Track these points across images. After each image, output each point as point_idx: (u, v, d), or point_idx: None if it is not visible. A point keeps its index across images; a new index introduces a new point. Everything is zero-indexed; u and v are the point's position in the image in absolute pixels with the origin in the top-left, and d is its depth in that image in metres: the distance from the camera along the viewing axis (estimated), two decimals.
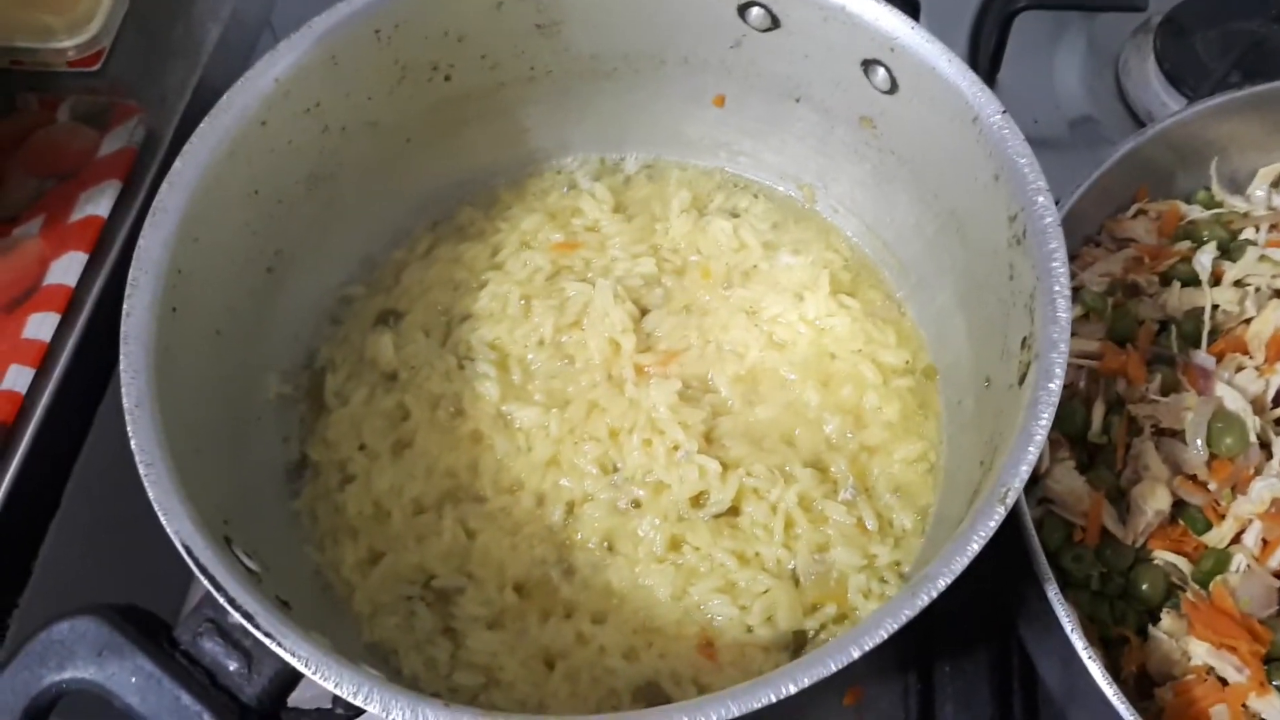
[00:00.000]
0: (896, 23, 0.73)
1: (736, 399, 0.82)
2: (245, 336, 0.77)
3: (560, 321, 0.85)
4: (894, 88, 0.75)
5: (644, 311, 0.87)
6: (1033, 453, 0.59)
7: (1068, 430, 0.79)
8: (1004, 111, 0.68)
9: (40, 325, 0.84)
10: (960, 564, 0.56)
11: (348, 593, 0.76)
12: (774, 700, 0.54)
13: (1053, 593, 0.66)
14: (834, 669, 0.54)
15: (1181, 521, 0.76)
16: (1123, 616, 0.74)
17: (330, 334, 0.87)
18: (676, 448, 0.78)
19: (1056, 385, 0.59)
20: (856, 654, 0.54)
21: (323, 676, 0.53)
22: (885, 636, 0.55)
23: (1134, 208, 0.91)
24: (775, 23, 0.79)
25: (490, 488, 0.79)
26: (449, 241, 0.92)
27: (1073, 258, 0.90)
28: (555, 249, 0.89)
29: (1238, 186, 0.95)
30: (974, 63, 1.21)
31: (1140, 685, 0.72)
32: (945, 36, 1.24)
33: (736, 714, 0.53)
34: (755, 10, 0.78)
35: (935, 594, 0.56)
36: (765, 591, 0.74)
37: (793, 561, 0.75)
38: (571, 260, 0.89)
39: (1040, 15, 1.21)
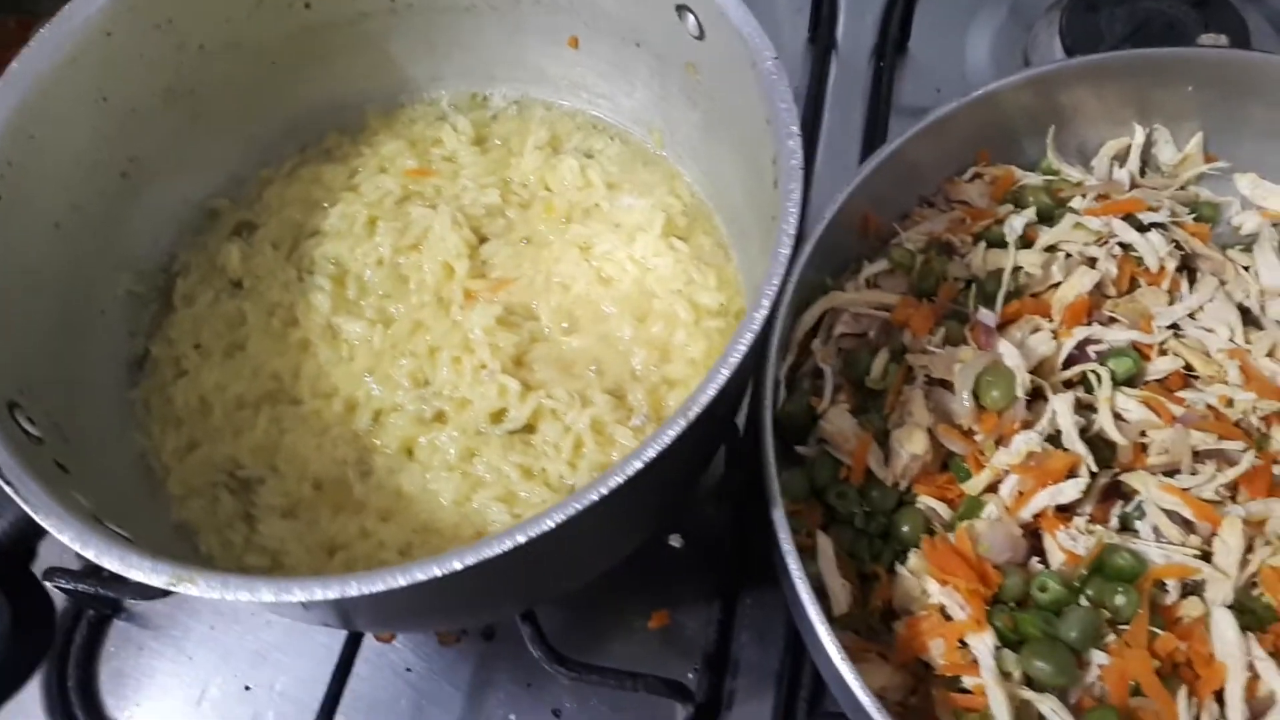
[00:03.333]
0: None
1: (555, 327, 0.87)
2: (92, 234, 0.83)
3: (400, 243, 0.90)
4: (702, 34, 0.78)
5: (483, 240, 0.91)
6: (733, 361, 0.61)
7: (852, 376, 0.82)
8: (775, 58, 0.70)
9: None
10: (694, 410, 0.59)
11: (165, 475, 0.82)
12: (494, 555, 0.56)
13: (776, 514, 0.70)
14: (551, 525, 0.56)
15: (950, 469, 0.79)
16: (879, 554, 0.78)
17: (191, 242, 0.93)
18: (483, 366, 0.83)
19: (760, 315, 0.62)
20: (577, 508, 0.56)
21: (53, 526, 0.59)
22: (620, 482, 0.57)
23: (971, 171, 0.93)
24: None
25: (308, 392, 0.84)
26: (314, 163, 0.96)
27: (904, 216, 0.93)
28: (408, 174, 0.94)
29: (1086, 158, 0.96)
30: (885, 32, 1.24)
31: (885, 619, 0.76)
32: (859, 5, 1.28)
33: (459, 567, 0.55)
34: None
35: (674, 435, 0.58)
36: (541, 503, 0.78)
37: (574, 479, 0.80)
38: (423, 186, 0.94)
39: None
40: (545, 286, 0.88)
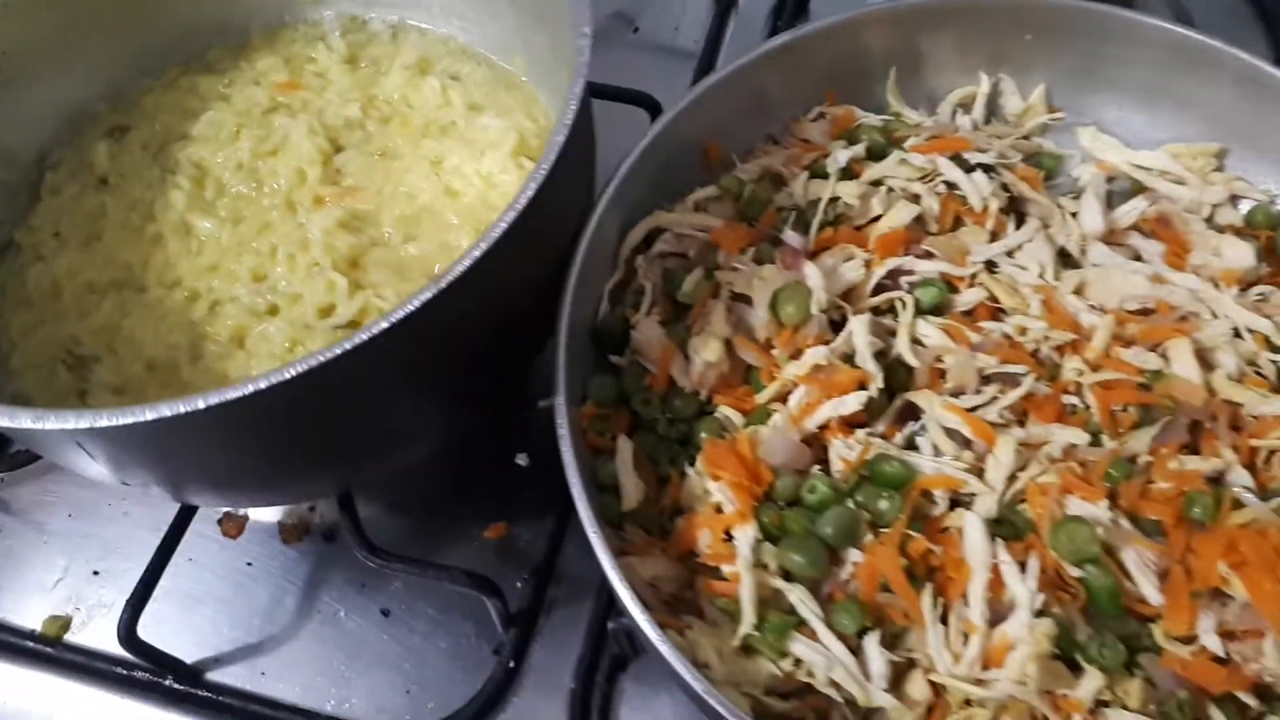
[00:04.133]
0: None
1: (396, 234, 0.90)
2: None
3: (259, 149, 0.93)
4: None
5: (340, 149, 0.95)
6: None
7: (669, 292, 0.85)
8: None
9: None
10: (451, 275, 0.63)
11: (9, 351, 0.86)
12: (234, 397, 0.59)
13: (559, 415, 0.73)
14: (290, 375, 0.59)
15: (750, 383, 0.82)
16: (675, 459, 0.81)
17: (68, 141, 0.97)
18: (316, 264, 0.87)
19: (519, 203, 0.65)
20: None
21: None
22: (363, 340, 0.61)
23: (816, 110, 0.96)
24: None
25: (154, 281, 0.88)
26: (194, 74, 1.01)
27: (748, 152, 0.96)
28: (278, 87, 0.98)
29: (933, 105, 0.99)
30: None
31: (674, 518, 0.79)
32: None
33: (201, 405, 0.59)
34: None
35: (426, 299, 0.62)
36: None
37: None
38: (290, 99, 0.98)
39: None
40: (393, 196, 0.92)
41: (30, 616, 0.95)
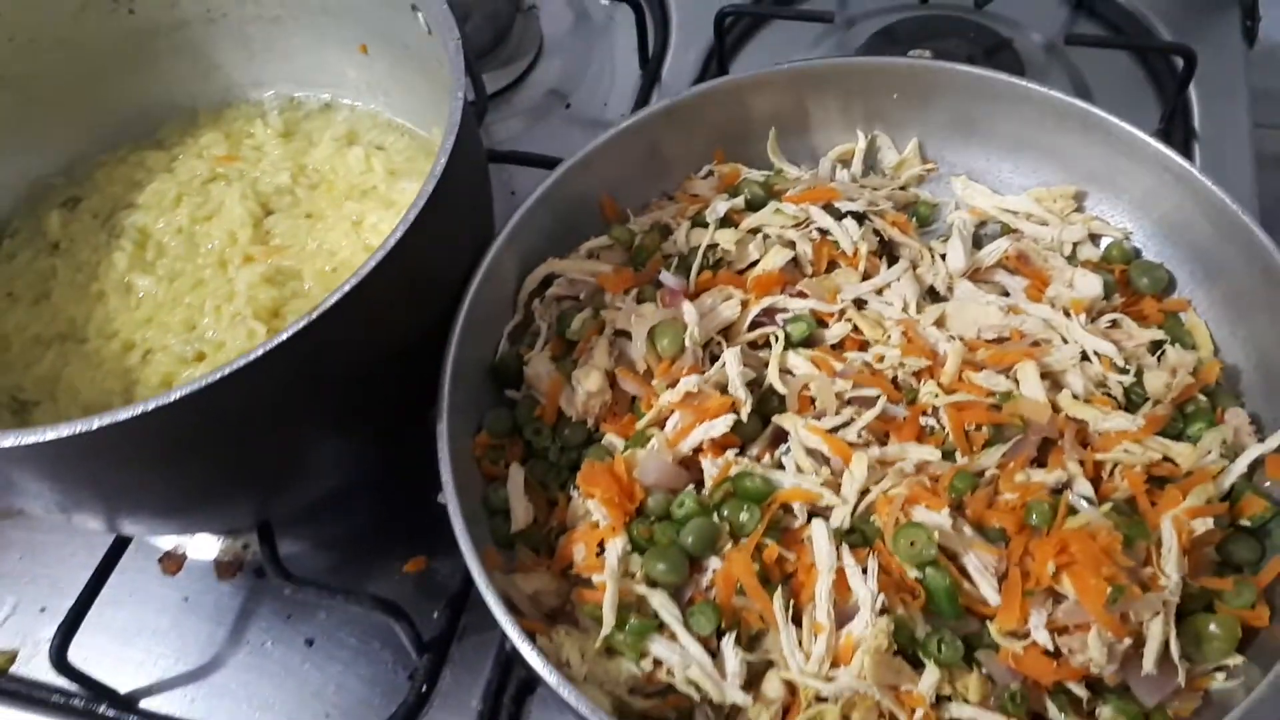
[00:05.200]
0: None
1: (316, 287, 0.98)
2: None
3: (197, 214, 1.03)
4: (430, 30, 0.91)
5: (269, 213, 1.04)
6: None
7: (561, 330, 0.93)
8: (457, 39, 0.83)
9: None
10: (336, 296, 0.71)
11: None
12: (127, 417, 0.66)
13: (440, 427, 0.80)
14: (177, 396, 0.67)
15: (634, 411, 0.89)
16: (565, 484, 0.87)
17: (27, 211, 1.07)
18: (238, 314, 0.95)
19: (389, 244, 0.73)
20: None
21: None
22: (240, 366, 0.67)
23: (706, 169, 1.05)
24: None
25: (94, 333, 0.96)
26: (144, 150, 1.11)
27: (645, 207, 1.04)
28: (218, 160, 1.07)
29: (817, 161, 1.07)
30: (705, 68, 1.37)
31: (559, 535, 0.85)
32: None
33: (95, 426, 0.65)
34: None
35: (307, 321, 0.69)
36: None
37: None
38: (229, 169, 1.07)
39: None
40: (315, 253, 1.00)
41: None
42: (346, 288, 0.71)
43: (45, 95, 1.04)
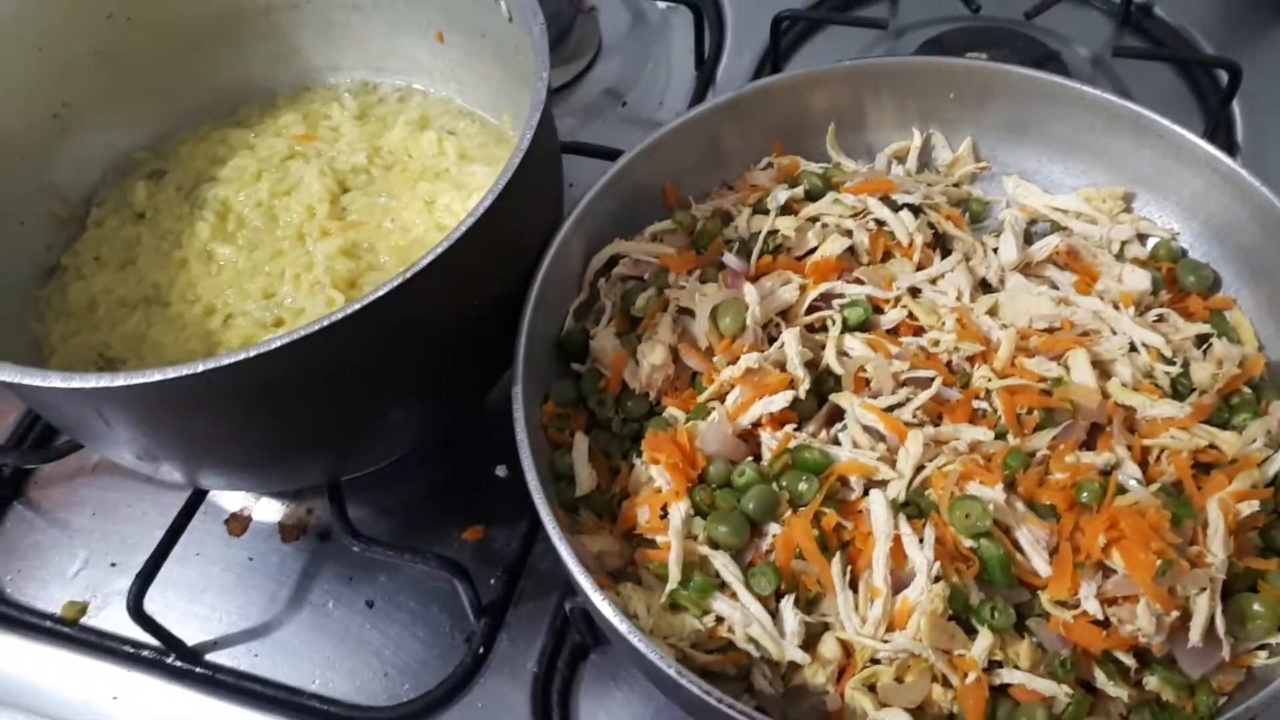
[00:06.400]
0: None
1: (391, 261, 1.03)
2: (20, 157, 1.02)
3: (276, 189, 1.07)
4: (510, 17, 0.96)
5: (346, 190, 1.08)
6: None
7: (626, 309, 0.96)
8: (542, 24, 0.87)
9: None
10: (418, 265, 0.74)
11: (50, 354, 0.99)
12: (227, 363, 0.69)
13: (516, 390, 0.84)
14: (276, 345, 0.70)
15: (695, 386, 0.92)
16: (627, 453, 0.91)
17: (114, 182, 1.12)
18: (318, 283, 0.99)
19: (479, 210, 0.77)
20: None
21: None
22: (339, 318, 0.71)
23: (765, 160, 1.08)
24: None
25: (178, 298, 1.01)
26: (225, 128, 1.15)
27: (705, 195, 1.08)
28: (296, 139, 1.12)
29: (872, 157, 1.11)
30: (759, 69, 1.41)
31: (622, 501, 0.88)
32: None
33: (200, 370, 0.70)
34: None
35: (395, 284, 0.73)
36: None
37: None
38: (306, 149, 1.11)
39: None
40: (389, 230, 1.05)
41: (51, 601, 1.05)
42: (440, 249, 0.75)
43: (136, 74, 1.09)
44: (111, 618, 1.04)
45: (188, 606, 1.03)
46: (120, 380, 0.71)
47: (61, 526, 1.10)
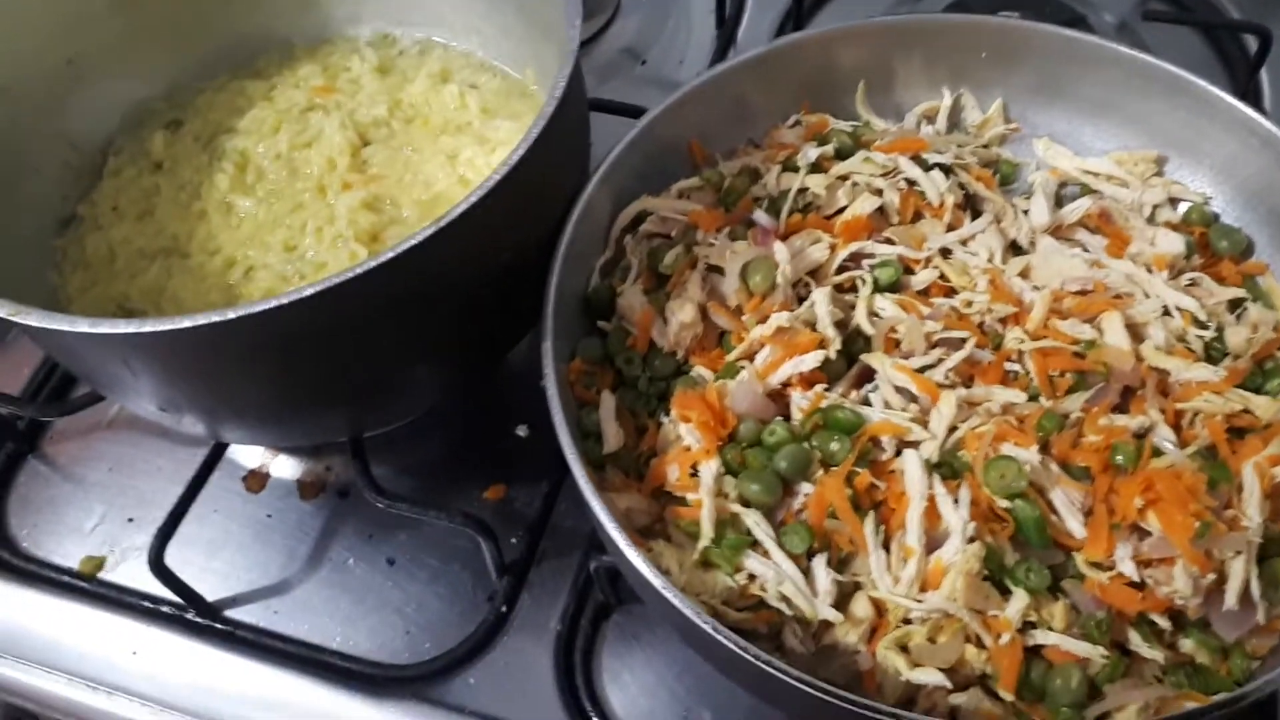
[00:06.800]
0: None
1: (414, 215, 1.01)
2: (34, 105, 1.00)
3: (296, 141, 1.05)
4: None
5: (367, 143, 1.06)
6: None
7: (653, 266, 0.95)
8: None
9: None
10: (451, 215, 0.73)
11: (67, 304, 0.97)
12: (257, 311, 0.69)
13: (545, 345, 0.82)
14: (309, 293, 0.69)
15: (723, 345, 0.91)
16: (654, 411, 0.90)
17: (130, 131, 1.10)
18: (340, 236, 0.97)
19: (512, 160, 0.76)
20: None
21: None
22: (371, 267, 0.70)
23: (793, 118, 1.07)
24: None
25: (198, 249, 0.99)
26: (243, 78, 1.13)
27: (731, 153, 1.06)
28: (316, 90, 1.10)
29: (901, 116, 1.09)
30: (781, 29, 1.39)
31: (649, 459, 0.88)
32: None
33: (231, 316, 0.69)
34: None
35: (429, 234, 0.72)
36: None
37: None
38: (326, 101, 1.09)
39: None
40: (412, 183, 1.03)
41: (69, 556, 1.04)
42: (470, 200, 0.74)
43: (152, 22, 1.07)
44: (129, 572, 1.03)
45: (206, 563, 1.03)
46: (149, 326, 0.69)
47: (77, 481, 1.09)
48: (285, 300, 0.70)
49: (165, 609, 1.00)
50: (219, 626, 0.99)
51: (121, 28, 1.05)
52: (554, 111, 0.78)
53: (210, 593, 1.00)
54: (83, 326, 0.70)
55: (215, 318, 0.69)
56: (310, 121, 1.07)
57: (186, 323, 0.69)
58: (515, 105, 1.10)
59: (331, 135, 1.04)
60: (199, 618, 0.99)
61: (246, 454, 1.09)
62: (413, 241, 0.72)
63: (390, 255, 0.72)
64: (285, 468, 1.08)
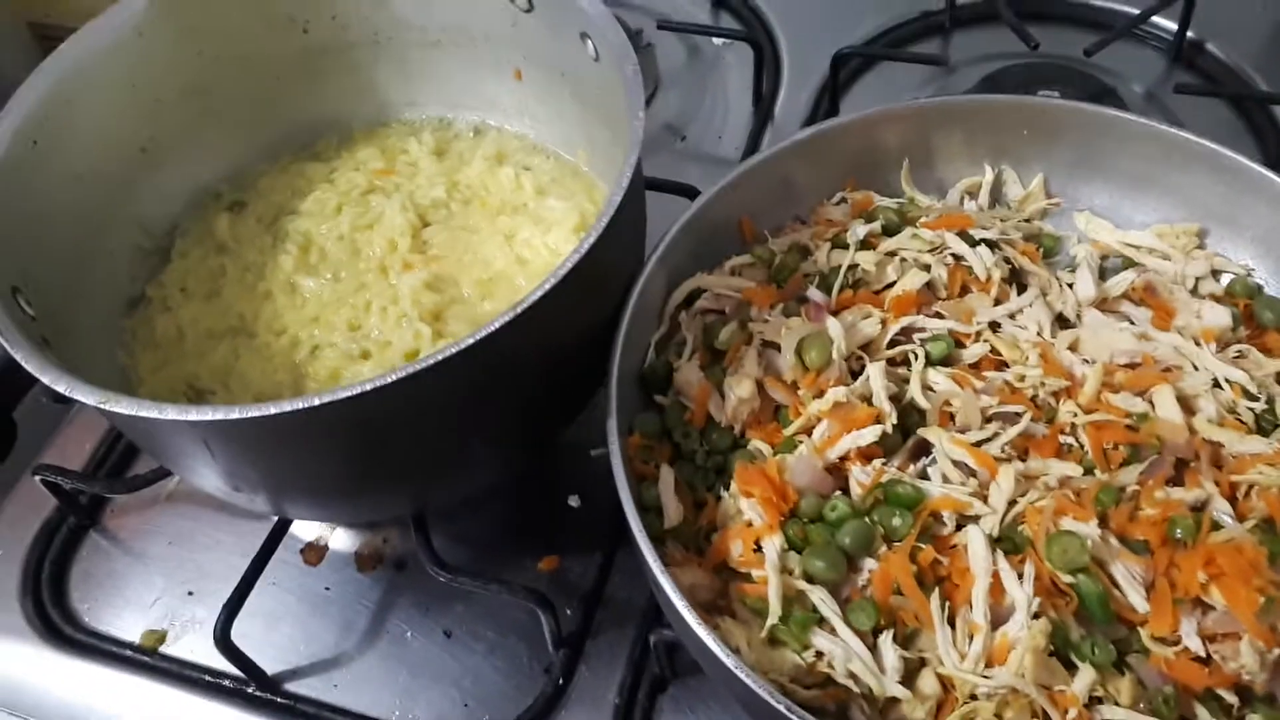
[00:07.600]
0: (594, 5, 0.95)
1: (474, 294, 1.04)
2: (108, 191, 1.03)
3: (358, 222, 1.09)
4: (598, 56, 0.97)
5: (427, 224, 1.10)
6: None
7: (708, 342, 0.97)
8: (635, 66, 0.89)
9: None
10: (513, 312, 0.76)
11: (138, 384, 1.00)
12: (320, 403, 0.71)
13: (612, 442, 0.84)
14: (367, 389, 0.72)
15: (779, 420, 0.93)
16: (712, 485, 0.91)
17: (195, 214, 1.14)
18: (404, 316, 1.00)
19: (582, 248, 0.78)
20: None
21: (27, 362, 0.76)
22: (433, 363, 0.72)
23: (838, 195, 1.10)
24: (530, 5, 1.03)
25: (263, 329, 1.02)
26: (303, 161, 1.17)
27: (779, 230, 1.09)
28: (376, 173, 1.14)
29: (943, 192, 1.12)
30: (817, 106, 1.43)
31: (709, 536, 0.89)
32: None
33: (301, 406, 0.71)
34: None
35: (491, 330, 0.74)
36: None
37: None
38: (385, 183, 1.13)
39: None
40: (471, 263, 1.06)
41: (130, 630, 1.06)
42: (540, 293, 0.76)
43: (220, 107, 1.12)
44: (190, 646, 1.04)
45: (265, 635, 1.04)
46: (236, 414, 0.72)
47: (137, 555, 1.11)
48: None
49: (226, 683, 1.01)
50: (280, 700, 1.00)
51: (192, 115, 1.09)
52: (624, 195, 0.81)
53: (270, 666, 1.01)
54: (170, 414, 0.72)
55: (303, 404, 0.71)
56: (371, 203, 1.10)
57: (272, 409, 0.72)
58: (568, 185, 1.13)
59: (393, 217, 1.07)
60: (260, 691, 1.00)
61: (305, 527, 1.11)
62: (493, 327, 0.75)
63: (471, 340, 0.74)
64: (343, 540, 1.10)
